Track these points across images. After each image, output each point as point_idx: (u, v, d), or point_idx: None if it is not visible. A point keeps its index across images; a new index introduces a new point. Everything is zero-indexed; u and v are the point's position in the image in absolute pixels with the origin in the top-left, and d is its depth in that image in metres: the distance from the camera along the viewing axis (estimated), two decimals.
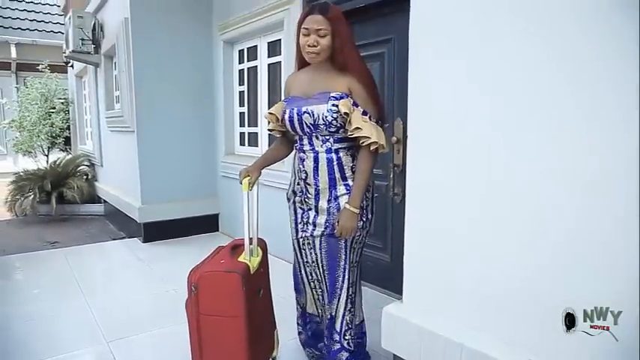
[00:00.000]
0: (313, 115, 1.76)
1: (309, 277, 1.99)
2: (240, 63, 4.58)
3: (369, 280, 3.06)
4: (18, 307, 3.02)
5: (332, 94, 1.75)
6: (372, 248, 3.06)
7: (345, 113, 1.71)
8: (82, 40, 5.34)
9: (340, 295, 1.86)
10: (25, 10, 9.59)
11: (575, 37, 1.29)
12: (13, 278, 3.67)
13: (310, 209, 1.88)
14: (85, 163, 6.71)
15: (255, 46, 4.26)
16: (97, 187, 6.31)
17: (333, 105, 1.73)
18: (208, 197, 4.89)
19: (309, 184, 1.85)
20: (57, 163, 6.71)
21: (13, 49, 9.39)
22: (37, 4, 9.85)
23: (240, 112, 4.64)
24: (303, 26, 1.74)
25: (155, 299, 3.17)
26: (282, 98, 2.02)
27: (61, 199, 6.00)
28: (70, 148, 7.87)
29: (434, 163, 1.73)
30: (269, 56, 4.10)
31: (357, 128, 1.72)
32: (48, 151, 7.54)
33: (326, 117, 1.73)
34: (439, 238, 1.70)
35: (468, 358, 1.43)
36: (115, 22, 4.77)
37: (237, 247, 2.00)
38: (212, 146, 4.87)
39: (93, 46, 5.43)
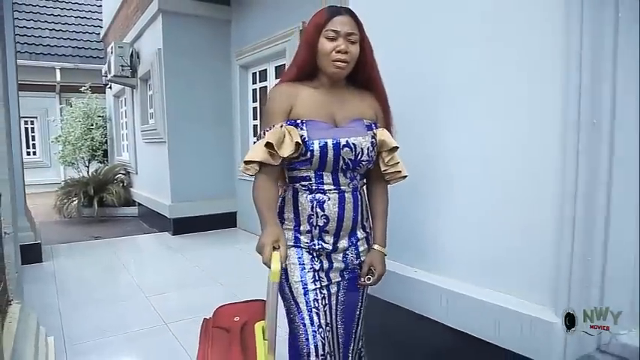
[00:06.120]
0: (355, 149, 1.38)
1: (321, 351, 1.37)
2: (253, 84, 5.43)
3: None
4: (77, 275, 3.90)
5: (365, 122, 1.45)
6: None
7: (395, 148, 1.45)
8: (122, 66, 6.30)
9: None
10: (68, 38, 10.81)
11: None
12: (70, 257, 4.54)
13: (321, 255, 1.45)
14: (122, 171, 7.65)
15: (265, 69, 5.11)
16: (132, 192, 7.24)
17: (373, 137, 1.43)
18: (228, 197, 5.72)
19: (326, 232, 1.42)
20: (98, 171, 7.70)
21: (57, 73, 10.56)
22: (78, 32, 11.07)
23: (254, 125, 5.48)
24: (329, 28, 1.35)
25: (182, 272, 4.00)
26: (276, 115, 1.37)
27: (102, 202, 6.95)
28: (107, 160, 8.89)
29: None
30: (276, 78, 4.92)
31: (397, 163, 1.48)
32: (89, 162, 8.59)
33: (371, 152, 1.42)
34: (404, 209, 2.07)
35: (413, 285, 2.01)
36: (149, 51, 5.72)
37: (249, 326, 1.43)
38: (231, 153, 5.71)
39: (130, 70, 6.39)
